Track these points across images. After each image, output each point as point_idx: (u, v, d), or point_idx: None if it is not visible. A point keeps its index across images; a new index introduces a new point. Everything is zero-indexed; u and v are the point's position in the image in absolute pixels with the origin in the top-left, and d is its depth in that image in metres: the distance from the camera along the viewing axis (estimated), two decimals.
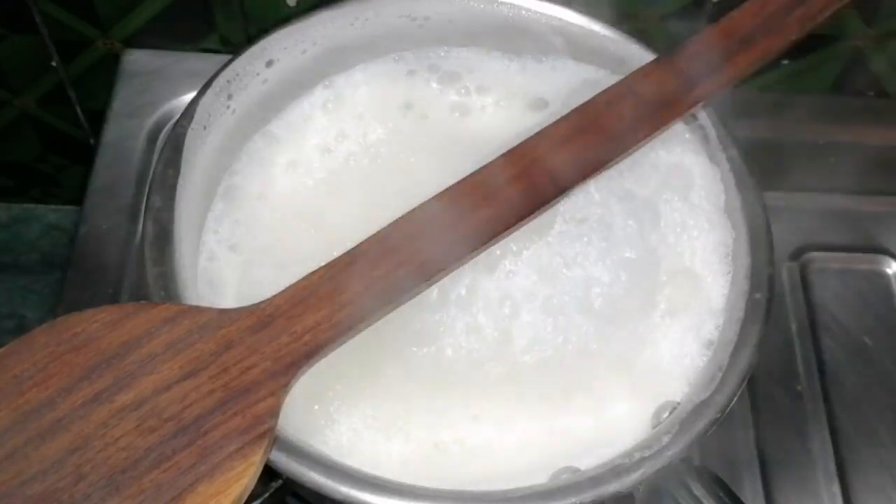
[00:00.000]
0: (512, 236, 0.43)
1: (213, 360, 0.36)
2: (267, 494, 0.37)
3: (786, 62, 0.64)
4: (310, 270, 0.39)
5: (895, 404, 0.57)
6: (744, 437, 0.55)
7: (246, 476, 0.34)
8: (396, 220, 0.41)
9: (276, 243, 0.45)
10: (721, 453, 0.54)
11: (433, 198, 0.42)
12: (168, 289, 0.40)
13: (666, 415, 0.41)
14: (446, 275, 0.40)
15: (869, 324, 0.60)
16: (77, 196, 0.58)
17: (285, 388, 0.36)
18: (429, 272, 0.40)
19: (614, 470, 0.38)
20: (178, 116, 0.45)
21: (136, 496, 0.33)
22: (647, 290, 0.44)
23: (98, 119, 0.60)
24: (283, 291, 0.38)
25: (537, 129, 0.45)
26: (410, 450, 0.41)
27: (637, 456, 0.38)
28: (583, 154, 0.44)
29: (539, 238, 0.44)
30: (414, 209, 0.41)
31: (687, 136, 0.47)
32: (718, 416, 0.39)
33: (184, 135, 0.44)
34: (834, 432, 0.56)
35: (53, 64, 0.64)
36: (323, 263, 0.39)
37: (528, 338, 0.42)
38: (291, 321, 0.37)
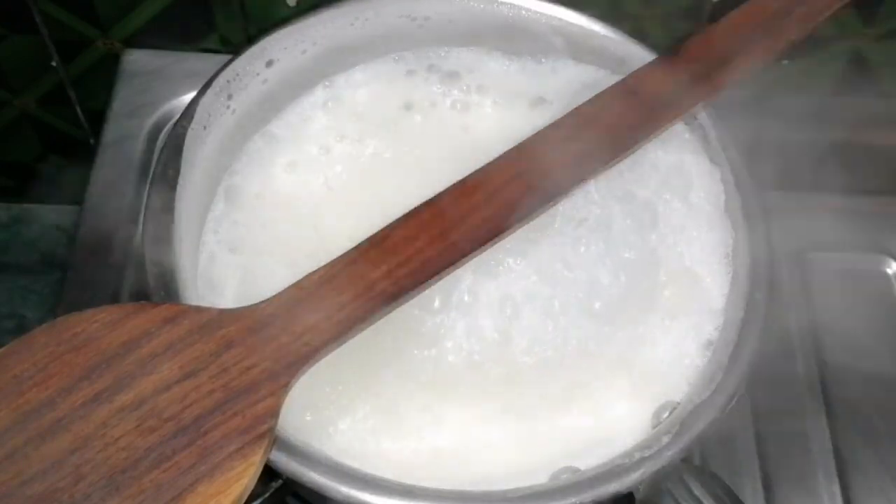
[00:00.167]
0: (512, 237, 0.43)
1: (213, 360, 0.36)
2: (267, 494, 0.37)
3: (786, 62, 0.64)
4: (310, 270, 0.39)
5: (895, 404, 0.57)
6: (744, 437, 0.55)
7: (246, 476, 0.34)
8: (396, 220, 0.41)
9: (276, 243, 0.45)
10: (721, 453, 0.54)
11: (433, 197, 0.42)
12: (168, 289, 0.40)
13: (666, 415, 0.41)
14: (447, 275, 0.40)
15: (869, 324, 0.60)
16: (77, 196, 0.58)
17: (285, 388, 0.36)
18: (429, 272, 0.40)
19: (614, 470, 0.38)
20: (178, 116, 0.45)
21: (136, 496, 0.33)
22: (647, 291, 0.44)
23: (98, 119, 0.60)
24: (283, 291, 0.38)
25: (537, 129, 0.45)
26: (410, 450, 0.41)
27: (637, 456, 0.38)
28: (583, 154, 0.44)
29: (539, 239, 0.44)
30: (413, 209, 0.41)
31: (687, 136, 0.47)
32: (718, 416, 0.40)
33: (184, 135, 0.44)
34: (834, 432, 0.56)
35: (53, 64, 0.64)
36: (323, 263, 0.39)
37: (529, 338, 0.42)
38: (291, 321, 0.37)
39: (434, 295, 0.42)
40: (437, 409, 0.42)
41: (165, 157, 0.43)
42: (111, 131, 0.59)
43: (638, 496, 0.38)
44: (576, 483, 0.38)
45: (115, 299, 0.53)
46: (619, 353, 0.43)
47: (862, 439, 0.56)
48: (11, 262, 0.80)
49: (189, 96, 0.46)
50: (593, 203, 0.45)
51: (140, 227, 0.53)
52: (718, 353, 0.42)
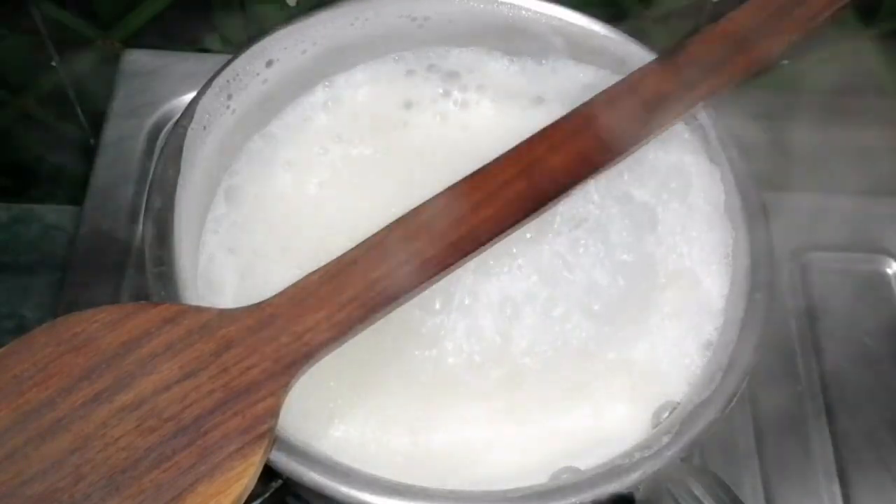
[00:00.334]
0: (512, 239, 0.43)
1: (213, 360, 0.36)
2: (267, 494, 0.37)
3: (786, 62, 0.64)
4: (310, 270, 0.39)
5: (895, 404, 0.57)
6: (744, 437, 0.55)
7: (246, 476, 0.34)
8: (396, 221, 0.41)
9: (276, 243, 0.45)
10: (721, 453, 0.54)
11: (433, 198, 0.42)
12: (168, 289, 0.40)
13: (666, 415, 0.41)
14: (447, 275, 0.40)
15: (869, 324, 0.60)
16: (77, 196, 0.58)
17: (285, 388, 0.36)
18: (429, 272, 0.40)
19: (614, 470, 0.38)
20: (178, 116, 0.45)
21: (136, 496, 0.33)
22: (646, 291, 0.44)
23: (98, 119, 0.60)
24: (283, 291, 0.38)
25: (537, 129, 0.45)
26: (411, 450, 0.41)
27: (637, 456, 0.38)
28: (583, 154, 0.44)
29: (539, 240, 0.44)
30: (414, 209, 0.41)
31: (686, 136, 0.47)
32: (718, 416, 0.39)
33: (184, 135, 0.44)
34: (834, 432, 0.56)
35: (53, 64, 0.64)
36: (323, 263, 0.39)
37: (529, 339, 0.42)
38: (291, 321, 0.37)
39: (434, 296, 0.42)
40: (437, 409, 0.42)
41: (165, 157, 0.43)
42: (111, 131, 0.59)
43: (638, 496, 0.38)
44: (576, 483, 0.38)
45: (115, 299, 0.53)
46: (619, 354, 0.43)
47: (862, 439, 0.56)
48: (11, 262, 0.80)
49: (189, 96, 0.46)
50: (593, 204, 0.45)
51: (140, 227, 0.53)
52: (718, 353, 0.42)
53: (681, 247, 0.46)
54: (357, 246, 0.40)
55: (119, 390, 0.35)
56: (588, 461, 0.39)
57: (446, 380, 0.42)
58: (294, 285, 0.39)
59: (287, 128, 0.49)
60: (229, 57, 0.47)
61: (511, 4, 0.49)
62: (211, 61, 0.48)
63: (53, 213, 0.79)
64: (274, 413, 0.35)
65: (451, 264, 0.40)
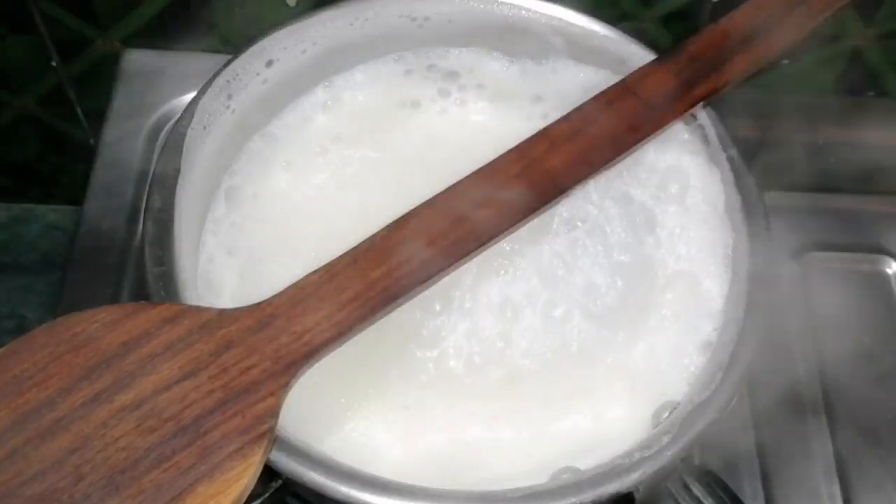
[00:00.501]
0: (512, 240, 0.43)
1: (212, 360, 0.36)
2: (267, 494, 0.37)
3: (786, 62, 0.64)
4: (309, 271, 0.39)
5: (895, 404, 0.57)
6: (744, 437, 0.55)
7: (246, 476, 0.34)
8: (396, 221, 0.41)
9: (276, 244, 0.45)
10: (721, 453, 0.54)
11: (433, 198, 0.42)
12: (168, 289, 0.40)
13: (666, 415, 0.41)
14: (447, 275, 0.40)
15: (869, 324, 0.60)
16: (77, 196, 0.58)
17: (285, 388, 0.36)
18: (429, 272, 0.40)
19: (614, 470, 0.38)
20: (178, 116, 0.45)
21: (135, 496, 0.33)
22: (646, 292, 0.44)
23: (98, 119, 0.60)
24: (283, 291, 0.38)
25: (537, 129, 0.45)
26: (411, 450, 0.41)
27: (637, 456, 0.38)
28: (583, 154, 0.44)
29: (539, 241, 0.44)
30: (413, 209, 0.41)
31: (686, 136, 0.47)
32: (718, 416, 0.39)
33: (184, 135, 0.44)
34: (834, 432, 0.56)
35: (53, 64, 0.64)
36: (323, 263, 0.39)
37: (529, 340, 0.43)
38: (291, 321, 0.37)
39: (435, 297, 0.42)
40: (437, 409, 0.42)
41: (165, 157, 0.43)
42: (111, 131, 0.59)
43: (638, 496, 0.38)
44: (576, 483, 0.38)
45: (115, 299, 0.53)
46: (619, 354, 0.43)
47: (862, 439, 0.56)
48: (11, 262, 0.80)
49: (189, 96, 0.46)
50: (592, 204, 0.45)
51: (140, 227, 0.53)
52: (718, 353, 0.42)
53: (680, 247, 0.46)
54: (357, 246, 0.40)
55: (119, 390, 0.35)
56: (588, 461, 0.39)
57: (447, 380, 0.42)
58: (294, 285, 0.39)
59: (287, 128, 0.49)
60: (229, 57, 0.47)
61: (511, 4, 0.49)
62: (211, 61, 0.48)
63: (53, 213, 0.79)
64: (274, 413, 0.35)
65: (452, 264, 0.40)
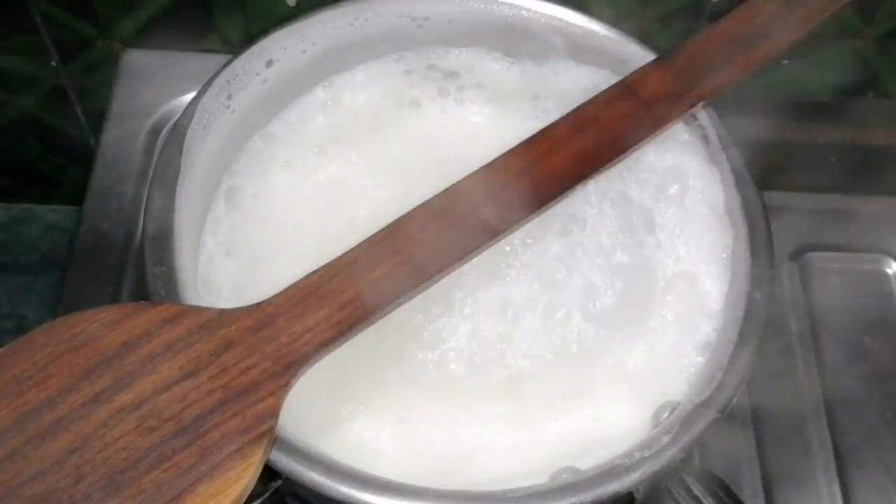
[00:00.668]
0: (512, 241, 0.43)
1: (212, 360, 0.36)
2: (267, 494, 0.37)
3: (786, 62, 0.64)
4: (309, 271, 0.39)
5: (895, 404, 0.57)
6: (744, 437, 0.55)
7: (246, 476, 0.34)
8: (395, 221, 0.41)
9: (276, 243, 0.45)
10: (721, 453, 0.54)
11: (433, 198, 0.42)
12: (168, 289, 0.40)
13: (666, 415, 0.41)
14: (447, 275, 0.40)
15: (869, 324, 0.60)
16: (77, 196, 0.58)
17: (285, 388, 0.36)
18: (429, 272, 0.40)
19: (614, 470, 0.38)
20: (178, 116, 0.45)
21: (135, 496, 0.33)
22: (645, 292, 0.44)
23: (98, 119, 0.60)
24: (283, 291, 0.38)
25: (537, 129, 0.45)
26: (411, 450, 0.41)
27: (637, 456, 0.38)
28: (583, 154, 0.44)
29: (539, 242, 0.44)
30: (413, 209, 0.41)
31: (686, 136, 0.47)
32: (718, 416, 0.39)
33: (184, 135, 0.44)
34: (834, 432, 0.56)
35: (53, 64, 0.64)
36: (322, 264, 0.39)
37: (529, 341, 0.43)
38: (291, 321, 0.37)
39: (435, 299, 0.42)
40: (438, 409, 0.42)
41: (165, 157, 0.43)
42: (111, 131, 0.59)
43: (638, 496, 0.38)
44: (576, 483, 0.38)
45: (115, 299, 0.53)
46: (619, 355, 0.43)
47: (862, 439, 0.56)
48: (11, 262, 0.80)
49: (189, 96, 0.46)
50: (592, 205, 0.45)
51: (140, 227, 0.53)
52: (718, 353, 0.42)
53: (680, 248, 0.46)
54: (357, 246, 0.40)
55: (119, 390, 0.35)
56: (588, 461, 0.39)
57: (447, 381, 0.42)
58: (294, 285, 0.39)
59: (287, 128, 0.49)
60: (229, 57, 0.47)
61: (511, 4, 0.49)
62: (211, 61, 0.48)
63: (53, 213, 0.79)
64: (274, 413, 0.35)
65: (452, 264, 0.40)
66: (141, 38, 0.62)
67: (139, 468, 0.33)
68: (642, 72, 0.47)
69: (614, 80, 0.47)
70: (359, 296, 0.39)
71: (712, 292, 0.45)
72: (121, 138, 0.59)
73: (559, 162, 0.43)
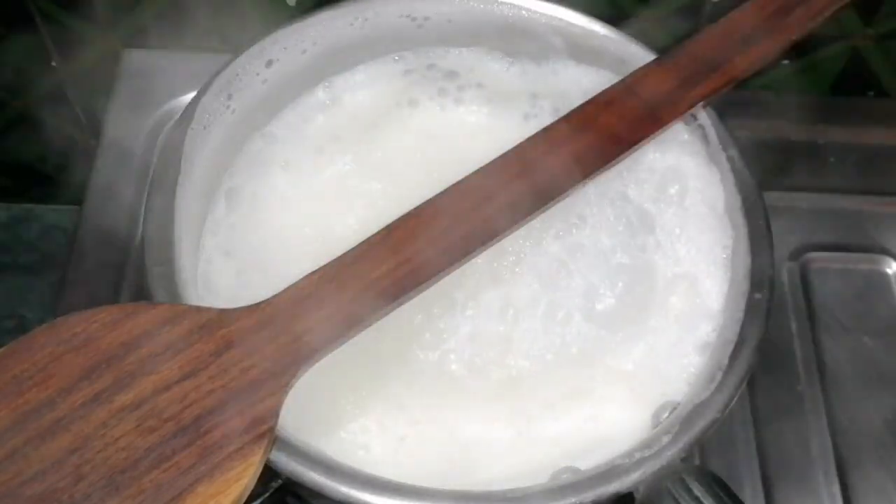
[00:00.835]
0: (512, 242, 0.43)
1: (212, 360, 0.36)
2: (267, 494, 0.37)
3: (786, 62, 0.64)
4: (309, 271, 0.39)
5: (895, 404, 0.57)
6: (744, 437, 0.55)
7: (246, 476, 0.34)
8: (395, 221, 0.41)
9: (276, 244, 0.45)
10: (721, 453, 0.54)
11: (433, 198, 0.42)
12: (168, 289, 0.40)
13: (666, 415, 0.41)
14: (447, 275, 0.40)
15: (869, 324, 0.60)
16: (77, 196, 0.58)
17: (285, 388, 0.36)
18: (429, 272, 0.40)
19: (614, 470, 0.38)
20: (178, 116, 0.45)
21: (135, 496, 0.33)
22: (645, 293, 0.44)
23: (98, 119, 0.60)
24: (283, 291, 0.38)
25: (536, 129, 0.45)
26: (411, 450, 0.41)
27: (637, 456, 0.38)
28: (583, 154, 0.44)
29: (539, 242, 0.44)
30: (413, 209, 0.41)
31: (685, 136, 0.47)
32: (718, 416, 0.39)
33: (184, 135, 0.44)
34: (834, 432, 0.56)
35: (53, 64, 0.64)
36: (322, 264, 0.39)
37: (529, 342, 0.43)
38: (291, 321, 0.37)
39: (436, 299, 0.42)
40: (438, 409, 0.42)
41: (165, 157, 0.43)
42: (111, 131, 0.59)
43: (638, 496, 0.38)
44: (576, 483, 0.38)
45: (115, 299, 0.53)
46: (619, 355, 0.43)
47: (862, 439, 0.56)
48: (11, 262, 0.80)
49: (189, 96, 0.46)
50: (591, 205, 0.45)
51: (140, 227, 0.53)
52: (718, 353, 0.42)
53: (680, 248, 0.46)
54: (357, 246, 0.40)
55: (119, 390, 0.35)
56: (588, 461, 0.39)
57: (448, 382, 0.42)
58: (294, 285, 0.39)
59: (287, 128, 0.49)
60: (229, 57, 0.47)
61: (511, 4, 0.49)
62: (211, 61, 0.48)
63: (53, 213, 0.79)
64: (274, 413, 0.35)
65: (452, 264, 0.40)
66: (141, 38, 0.62)
67: (139, 468, 0.33)
68: (642, 72, 0.47)
69: (614, 80, 0.47)
70: (358, 296, 0.39)
71: (712, 292, 0.45)
72: (121, 138, 0.59)
73: (559, 162, 0.43)
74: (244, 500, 0.34)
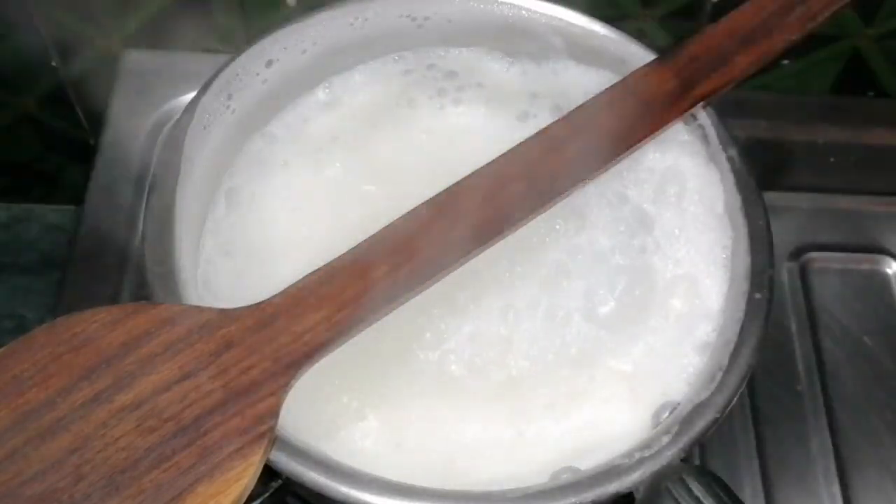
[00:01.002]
0: (512, 242, 0.43)
1: (212, 360, 0.36)
2: (267, 494, 0.37)
3: (786, 62, 0.64)
4: (309, 271, 0.39)
5: (895, 404, 0.57)
6: (744, 437, 0.55)
7: (246, 476, 0.34)
8: (396, 220, 0.41)
9: (276, 244, 0.45)
10: (721, 453, 0.54)
11: (433, 198, 0.42)
12: (168, 289, 0.40)
13: (666, 415, 0.41)
14: (446, 275, 0.40)
15: (869, 324, 0.60)
16: (77, 196, 0.58)
17: (285, 388, 0.36)
18: (429, 272, 0.40)
19: (614, 470, 0.38)
20: (178, 116, 0.45)
21: (135, 496, 0.33)
22: (645, 293, 0.44)
23: (98, 119, 0.60)
24: (282, 291, 0.38)
25: (536, 129, 0.45)
26: (411, 450, 0.41)
27: (637, 456, 0.38)
28: (583, 154, 0.44)
29: (539, 243, 0.44)
30: (414, 209, 0.41)
31: (685, 136, 0.47)
32: (718, 416, 0.39)
33: (184, 135, 0.44)
34: (834, 432, 0.56)
35: (53, 64, 0.64)
36: (322, 264, 0.39)
37: (529, 343, 0.43)
38: (291, 321, 0.37)
39: (436, 300, 0.42)
40: (438, 410, 0.42)
41: (165, 157, 0.43)
42: (111, 131, 0.59)
43: (638, 496, 0.38)
44: (576, 483, 0.38)
45: (115, 299, 0.53)
46: (619, 355, 0.43)
47: (862, 439, 0.56)
48: (11, 262, 0.80)
49: (189, 96, 0.46)
50: (591, 205, 0.45)
51: (140, 227, 0.53)
52: (718, 353, 0.42)
53: (679, 248, 0.46)
54: (357, 246, 0.40)
55: (119, 390, 0.35)
56: (588, 461, 0.39)
57: (448, 382, 0.42)
58: (294, 285, 0.39)
59: (287, 128, 0.49)
60: (229, 57, 0.47)
61: (511, 4, 0.49)
62: (211, 61, 0.48)
63: (53, 213, 0.79)
64: (274, 413, 0.35)
65: (452, 264, 0.40)
66: (141, 38, 0.62)
67: (139, 468, 0.33)
68: (642, 72, 0.47)
69: (614, 80, 0.47)
70: (359, 296, 0.39)
71: (712, 292, 0.45)
72: (121, 138, 0.59)
73: (559, 162, 0.43)
74: (244, 500, 0.34)
